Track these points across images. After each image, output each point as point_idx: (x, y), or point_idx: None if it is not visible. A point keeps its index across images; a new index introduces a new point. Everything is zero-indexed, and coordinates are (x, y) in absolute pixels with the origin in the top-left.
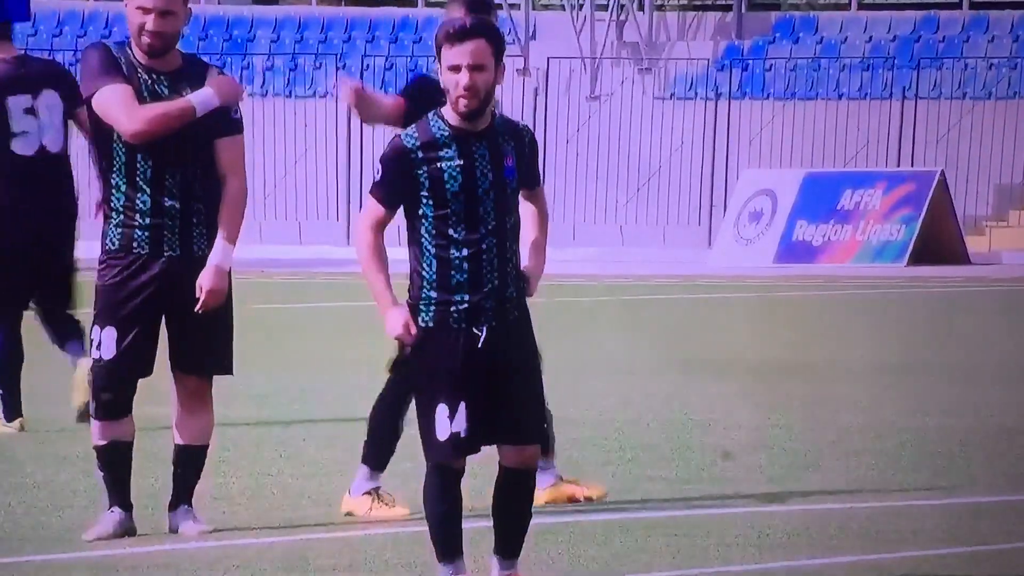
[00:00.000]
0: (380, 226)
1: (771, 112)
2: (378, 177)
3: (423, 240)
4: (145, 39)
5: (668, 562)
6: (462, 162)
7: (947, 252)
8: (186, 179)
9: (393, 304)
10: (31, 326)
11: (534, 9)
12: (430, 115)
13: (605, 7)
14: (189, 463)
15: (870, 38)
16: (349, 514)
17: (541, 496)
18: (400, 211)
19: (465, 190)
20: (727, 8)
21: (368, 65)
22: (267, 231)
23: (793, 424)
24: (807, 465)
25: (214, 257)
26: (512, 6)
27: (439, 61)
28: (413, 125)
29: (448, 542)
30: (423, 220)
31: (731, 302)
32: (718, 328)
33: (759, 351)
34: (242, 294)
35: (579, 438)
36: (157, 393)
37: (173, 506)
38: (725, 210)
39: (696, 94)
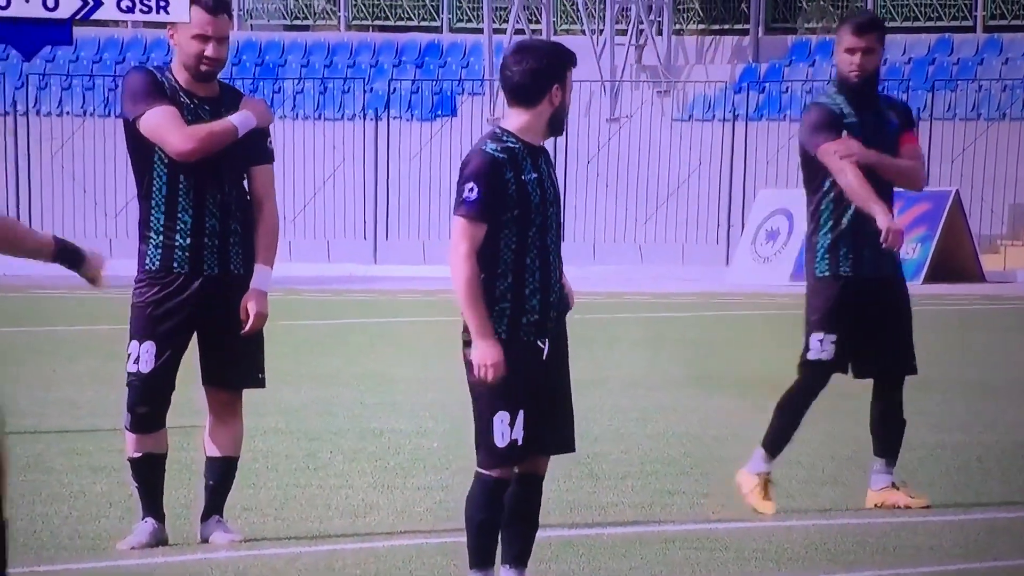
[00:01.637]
0: (477, 248)
1: (787, 133)
2: (474, 195)
3: (502, 252)
4: (204, 66)
5: (687, 575)
6: (536, 175)
7: (962, 270)
8: (225, 200)
9: (493, 337)
10: (67, 340)
11: (555, 33)
12: (497, 130)
13: (624, 31)
14: (220, 475)
15: (885, 60)
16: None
17: (872, 497)
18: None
19: (542, 201)
20: (744, 32)
21: (395, 88)
22: (297, 249)
23: (810, 439)
24: (825, 480)
25: (256, 281)
26: (534, 31)
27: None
28: (489, 139)
29: (483, 550)
30: (503, 231)
31: (748, 319)
32: (736, 344)
33: (776, 367)
34: (272, 311)
35: (600, 452)
36: (190, 406)
37: (205, 517)
38: (742, 229)
39: (714, 116)
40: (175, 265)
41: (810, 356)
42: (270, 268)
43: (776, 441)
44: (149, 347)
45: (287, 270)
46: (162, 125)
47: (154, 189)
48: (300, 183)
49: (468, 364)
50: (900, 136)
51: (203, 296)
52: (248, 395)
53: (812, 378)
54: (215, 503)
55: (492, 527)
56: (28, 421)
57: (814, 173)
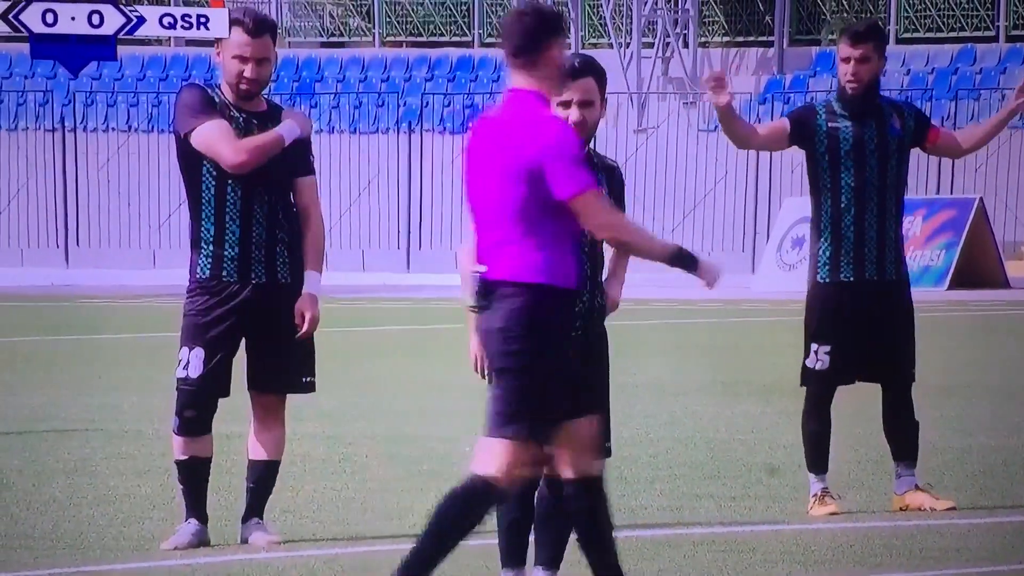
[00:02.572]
0: None
1: None
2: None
3: None
4: (243, 85)
5: None
6: None
7: (987, 277)
8: (272, 210)
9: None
10: (111, 347)
11: (583, 47)
12: None
13: (651, 44)
14: (262, 477)
15: (908, 70)
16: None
17: (897, 501)
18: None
19: None
20: (768, 44)
21: (428, 102)
22: (333, 259)
23: (835, 442)
24: (851, 483)
25: (309, 286)
26: None
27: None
28: None
29: (514, 549)
30: None
31: (774, 325)
32: (761, 350)
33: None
34: None
35: (629, 456)
36: (232, 412)
37: (246, 518)
38: (768, 237)
39: None
40: (224, 274)
41: (807, 363)
42: (319, 273)
43: (811, 458)
44: (199, 353)
45: (324, 279)
46: (215, 138)
47: (203, 201)
48: (336, 195)
49: None
50: (927, 135)
51: (251, 304)
52: (288, 400)
53: (813, 387)
54: (256, 505)
55: (522, 526)
56: (75, 425)
57: (812, 179)
